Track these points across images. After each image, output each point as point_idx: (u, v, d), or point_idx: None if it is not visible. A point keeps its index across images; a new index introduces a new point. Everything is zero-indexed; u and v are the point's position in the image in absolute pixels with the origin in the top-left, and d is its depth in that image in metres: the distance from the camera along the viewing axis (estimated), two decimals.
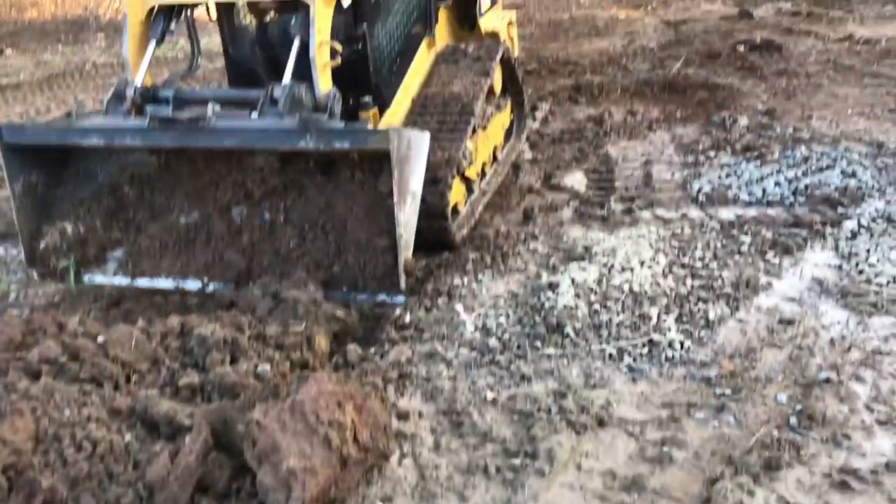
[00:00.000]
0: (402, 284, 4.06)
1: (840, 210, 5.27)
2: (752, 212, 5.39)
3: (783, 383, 3.50)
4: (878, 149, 6.30)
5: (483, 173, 5.65)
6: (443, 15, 5.98)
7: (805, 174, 5.84)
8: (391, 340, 3.93)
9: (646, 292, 4.21)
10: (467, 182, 5.24)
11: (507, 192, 6.08)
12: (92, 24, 11.22)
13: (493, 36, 6.46)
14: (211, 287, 4.42)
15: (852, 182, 5.62)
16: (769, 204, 5.52)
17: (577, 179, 6.29)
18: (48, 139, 4.45)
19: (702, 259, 4.60)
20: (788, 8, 10.55)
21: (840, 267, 4.52)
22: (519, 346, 3.84)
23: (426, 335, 3.99)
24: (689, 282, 4.34)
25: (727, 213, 5.37)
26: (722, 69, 8.46)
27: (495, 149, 5.98)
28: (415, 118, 5.15)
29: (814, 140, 6.52)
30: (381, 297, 4.20)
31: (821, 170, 5.89)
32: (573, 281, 4.29)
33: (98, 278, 4.61)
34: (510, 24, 7.06)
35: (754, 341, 3.84)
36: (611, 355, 3.75)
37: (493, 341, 3.89)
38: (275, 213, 4.41)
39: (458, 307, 4.20)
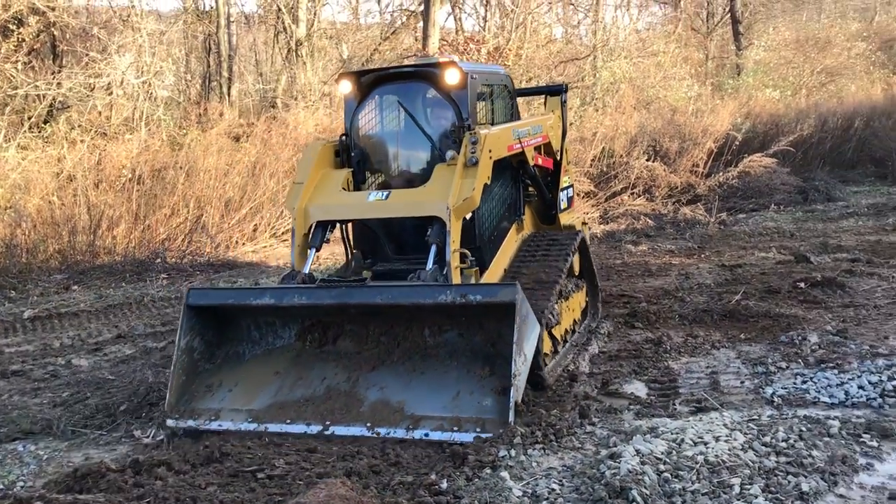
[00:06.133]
0: (511, 418, 4.32)
1: None
2: (835, 412, 4.81)
3: None
4: None
5: (565, 340, 6.57)
6: (528, 209, 7.37)
7: (891, 378, 5.28)
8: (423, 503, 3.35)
9: (723, 462, 3.60)
10: (553, 339, 6.13)
11: (559, 398, 5.60)
12: (158, 265, 11.62)
13: (570, 229, 7.68)
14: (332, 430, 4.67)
15: None
16: (854, 406, 4.95)
17: (636, 387, 5.80)
18: (227, 301, 5.46)
19: (786, 440, 3.98)
20: (846, 256, 10.39)
21: None
22: None
23: (465, 500, 3.40)
24: (773, 458, 3.73)
25: (807, 413, 4.79)
26: (784, 301, 8.10)
27: (575, 322, 6.93)
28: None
29: (895, 355, 5.99)
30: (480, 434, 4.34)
31: None
32: (638, 451, 3.71)
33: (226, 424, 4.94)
34: (584, 223, 8.27)
35: None
36: None
37: None
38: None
39: (504, 474, 3.62)
